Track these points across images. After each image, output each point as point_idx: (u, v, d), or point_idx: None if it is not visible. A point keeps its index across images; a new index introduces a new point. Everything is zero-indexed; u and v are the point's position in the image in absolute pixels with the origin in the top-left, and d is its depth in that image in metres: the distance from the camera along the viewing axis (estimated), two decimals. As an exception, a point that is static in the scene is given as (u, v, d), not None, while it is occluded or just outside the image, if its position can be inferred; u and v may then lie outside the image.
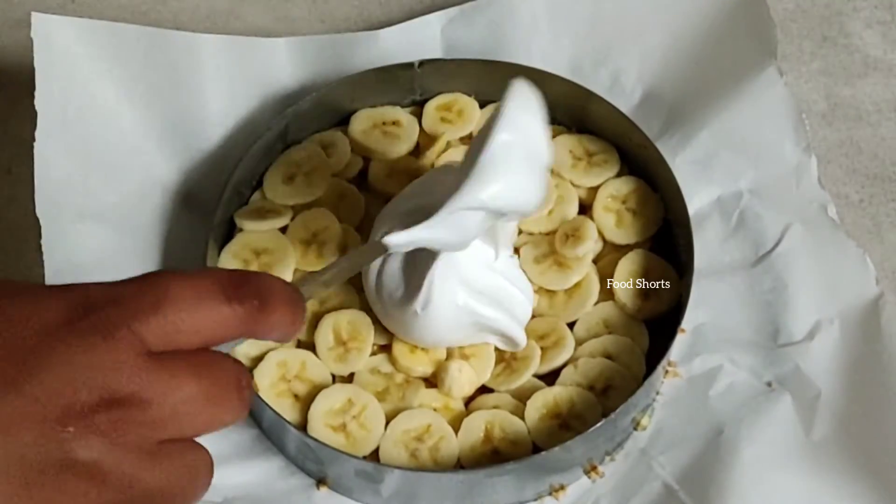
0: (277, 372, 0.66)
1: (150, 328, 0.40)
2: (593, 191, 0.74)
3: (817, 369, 0.68)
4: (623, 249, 0.72)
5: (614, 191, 0.73)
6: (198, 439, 0.54)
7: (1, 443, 0.38)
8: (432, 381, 0.67)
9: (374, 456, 0.64)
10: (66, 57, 0.74)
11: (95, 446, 0.39)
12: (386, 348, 0.68)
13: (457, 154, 0.75)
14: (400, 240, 0.59)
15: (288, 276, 0.69)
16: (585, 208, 0.74)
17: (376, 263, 0.66)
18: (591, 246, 0.71)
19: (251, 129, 0.76)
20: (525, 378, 0.67)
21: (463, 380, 0.66)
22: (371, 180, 0.75)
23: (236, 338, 0.43)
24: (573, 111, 0.77)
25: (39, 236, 0.69)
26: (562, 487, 0.66)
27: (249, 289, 0.42)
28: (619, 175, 0.74)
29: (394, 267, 0.66)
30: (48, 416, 0.38)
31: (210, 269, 0.44)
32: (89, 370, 0.39)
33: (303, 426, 0.65)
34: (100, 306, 0.39)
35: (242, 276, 0.43)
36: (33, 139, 0.70)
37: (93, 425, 0.38)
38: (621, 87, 0.80)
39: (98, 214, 0.72)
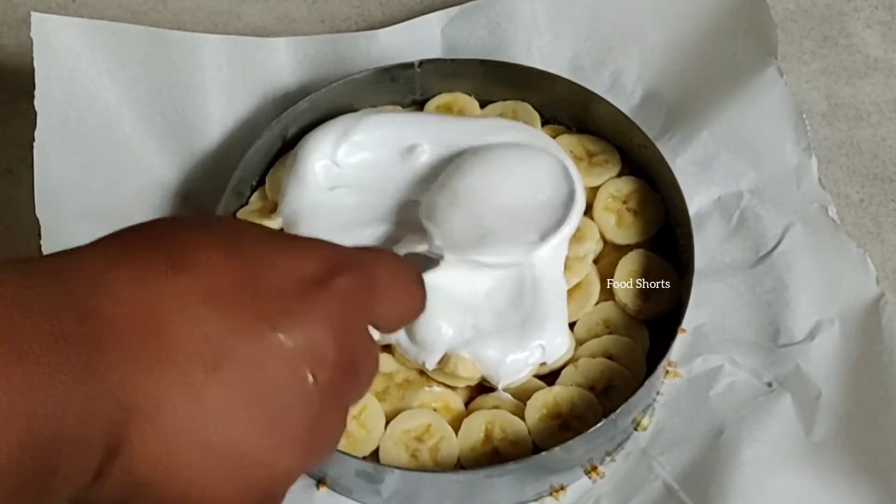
0: (277, 372, 0.66)
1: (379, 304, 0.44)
2: (594, 191, 0.74)
3: (818, 370, 0.68)
4: (623, 249, 0.72)
5: (615, 191, 0.73)
6: None
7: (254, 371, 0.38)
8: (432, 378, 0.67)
9: (374, 456, 0.64)
10: (66, 57, 0.74)
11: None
12: (387, 348, 0.68)
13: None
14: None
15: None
16: (586, 208, 0.73)
17: None
18: (591, 246, 0.71)
19: (251, 129, 0.76)
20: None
21: (468, 361, 0.65)
22: (371, 180, 0.75)
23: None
24: (573, 111, 0.77)
25: (39, 236, 0.69)
26: (562, 488, 0.66)
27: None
28: (619, 175, 0.74)
29: None
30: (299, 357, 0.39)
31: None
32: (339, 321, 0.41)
33: (303, 426, 0.65)
34: (344, 269, 0.41)
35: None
36: (33, 139, 0.70)
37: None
38: (621, 87, 0.80)
39: (98, 214, 0.72)
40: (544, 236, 0.66)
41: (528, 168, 0.69)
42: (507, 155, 0.70)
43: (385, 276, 0.44)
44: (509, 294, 0.66)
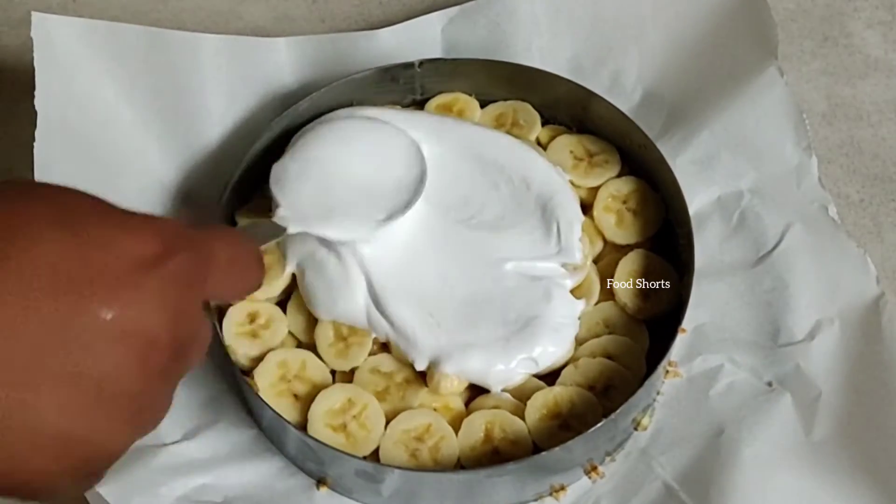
0: (277, 372, 0.66)
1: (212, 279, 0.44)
2: (594, 191, 0.74)
3: (818, 369, 0.68)
4: (623, 249, 0.72)
5: (615, 191, 0.73)
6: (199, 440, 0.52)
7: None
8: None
9: (375, 456, 0.64)
10: (66, 57, 0.73)
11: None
12: (386, 347, 0.68)
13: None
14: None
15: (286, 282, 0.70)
16: (586, 208, 0.73)
17: None
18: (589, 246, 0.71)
19: (251, 129, 0.76)
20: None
21: (450, 378, 0.65)
22: (371, 180, 0.75)
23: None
24: (573, 111, 0.77)
25: (39, 236, 0.69)
26: (562, 488, 0.66)
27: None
28: (619, 175, 0.74)
29: None
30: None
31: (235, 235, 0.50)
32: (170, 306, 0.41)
33: (303, 426, 0.65)
34: (179, 249, 0.42)
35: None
36: (33, 139, 0.70)
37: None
38: (621, 87, 0.80)
39: (98, 214, 0.72)
40: (391, 216, 0.67)
41: (383, 146, 0.70)
42: (363, 130, 0.70)
43: (221, 253, 0.44)
44: (493, 310, 0.67)
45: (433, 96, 0.78)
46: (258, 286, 0.48)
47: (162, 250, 0.40)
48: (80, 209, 0.40)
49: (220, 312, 0.68)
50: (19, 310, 0.37)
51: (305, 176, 0.67)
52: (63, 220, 0.39)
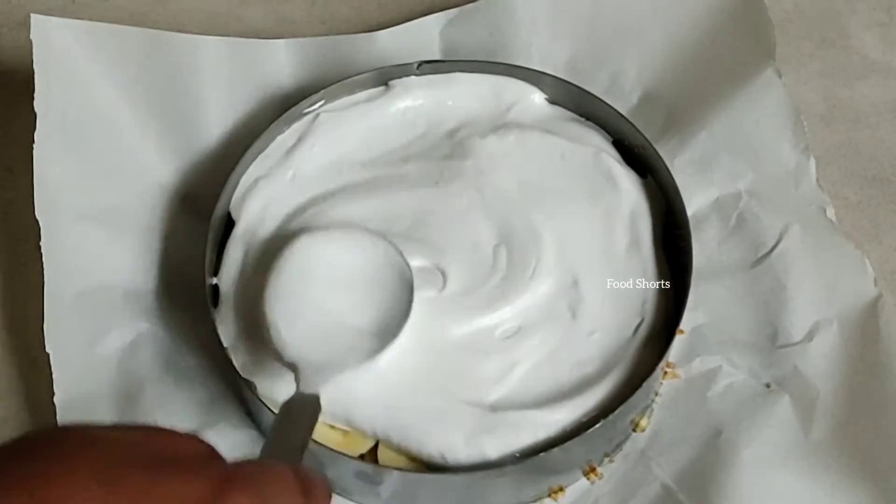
0: (277, 373, 0.66)
1: None
2: (592, 192, 0.74)
3: (816, 370, 0.68)
4: (622, 250, 0.72)
5: (613, 192, 0.73)
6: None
7: None
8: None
9: (372, 456, 0.64)
10: (65, 58, 0.74)
11: None
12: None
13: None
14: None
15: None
16: (585, 209, 0.73)
17: None
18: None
19: (250, 130, 0.76)
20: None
21: None
22: (370, 181, 0.75)
23: None
24: (572, 112, 0.77)
25: (39, 236, 0.69)
26: (560, 489, 0.66)
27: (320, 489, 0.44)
28: (617, 176, 0.74)
29: None
30: None
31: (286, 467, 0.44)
32: None
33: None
34: (235, 488, 0.39)
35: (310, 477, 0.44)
36: (33, 140, 0.70)
37: None
38: (620, 88, 0.80)
39: (98, 215, 0.72)
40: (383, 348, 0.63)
41: (368, 264, 0.66)
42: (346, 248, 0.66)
43: (276, 488, 0.42)
44: None
45: (432, 98, 0.78)
46: None
47: (214, 491, 0.38)
48: (126, 461, 0.38)
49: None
50: None
51: (303, 318, 0.63)
52: (106, 478, 0.37)
